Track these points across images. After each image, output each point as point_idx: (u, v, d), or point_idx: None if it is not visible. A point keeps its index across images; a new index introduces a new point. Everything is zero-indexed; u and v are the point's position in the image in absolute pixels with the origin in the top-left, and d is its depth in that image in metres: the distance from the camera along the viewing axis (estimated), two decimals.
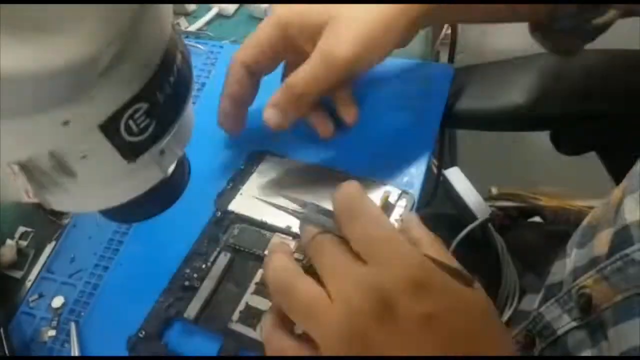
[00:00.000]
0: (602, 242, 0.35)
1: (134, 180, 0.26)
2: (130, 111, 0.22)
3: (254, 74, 0.42)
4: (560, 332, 0.38)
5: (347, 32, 0.37)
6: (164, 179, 0.28)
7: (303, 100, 0.39)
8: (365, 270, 0.26)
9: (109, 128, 0.22)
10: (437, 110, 0.48)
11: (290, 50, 0.41)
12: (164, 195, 0.31)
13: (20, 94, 0.17)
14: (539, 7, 0.44)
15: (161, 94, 0.23)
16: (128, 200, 0.28)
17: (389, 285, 0.25)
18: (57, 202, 0.25)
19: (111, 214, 0.30)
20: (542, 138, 0.67)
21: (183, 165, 0.33)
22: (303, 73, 0.39)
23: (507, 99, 0.60)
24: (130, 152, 0.24)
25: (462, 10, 0.43)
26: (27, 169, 0.22)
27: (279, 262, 0.29)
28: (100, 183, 0.24)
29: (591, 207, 0.42)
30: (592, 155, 0.64)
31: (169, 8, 0.23)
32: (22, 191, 0.23)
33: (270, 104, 0.40)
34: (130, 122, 0.23)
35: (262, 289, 0.40)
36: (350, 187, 0.29)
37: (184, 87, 0.26)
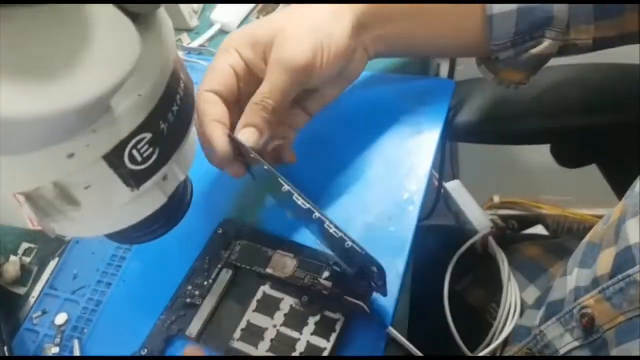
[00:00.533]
0: (604, 262, 0.35)
1: (137, 205, 0.27)
2: (134, 142, 0.22)
3: (225, 100, 0.41)
4: (562, 351, 0.38)
5: (294, 38, 0.40)
6: (167, 201, 0.29)
7: (275, 116, 0.39)
8: None
9: (113, 159, 0.22)
10: (437, 124, 0.49)
11: (247, 78, 0.42)
12: (167, 217, 0.32)
13: (27, 133, 0.17)
14: (474, 44, 0.46)
15: (165, 124, 0.24)
16: (131, 224, 0.28)
17: None
18: (61, 229, 0.25)
19: (115, 236, 0.31)
20: (543, 147, 0.67)
21: (185, 187, 0.33)
22: (268, 87, 0.39)
23: (508, 112, 0.60)
24: (134, 180, 0.24)
25: (403, 32, 0.45)
26: (32, 198, 0.22)
27: None
28: (103, 211, 0.25)
29: (594, 216, 0.42)
30: (594, 165, 0.64)
31: (172, 39, 0.24)
32: (26, 219, 0.23)
33: (243, 124, 0.39)
34: (134, 151, 0.23)
35: (263, 307, 0.40)
36: None
37: (187, 114, 0.26)
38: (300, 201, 0.36)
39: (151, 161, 0.24)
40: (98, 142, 0.21)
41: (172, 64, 0.24)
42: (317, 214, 0.35)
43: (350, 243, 0.35)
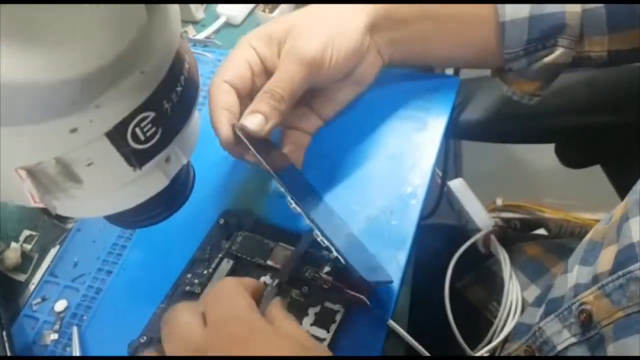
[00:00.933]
0: (604, 260, 0.35)
1: (139, 186, 0.27)
2: (137, 119, 0.22)
3: (238, 92, 0.41)
4: (559, 347, 0.38)
5: (307, 32, 0.41)
6: (169, 185, 0.29)
7: (283, 105, 0.40)
8: None
9: (116, 136, 0.22)
10: (442, 120, 0.48)
11: (262, 74, 0.42)
12: (168, 201, 0.32)
13: (30, 101, 0.17)
14: (488, 52, 0.46)
15: (168, 103, 0.24)
16: (133, 206, 0.28)
17: None
18: (62, 207, 0.25)
19: (116, 219, 0.31)
20: (547, 150, 0.67)
21: (188, 172, 0.33)
22: (278, 77, 0.40)
23: (512, 111, 0.60)
24: (136, 159, 0.24)
25: (414, 37, 0.46)
26: (34, 174, 0.22)
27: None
28: (105, 189, 0.25)
29: (596, 220, 0.42)
30: (597, 168, 0.64)
31: (177, 19, 0.24)
32: (28, 196, 0.23)
33: (250, 111, 0.39)
34: (137, 130, 0.23)
35: None
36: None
37: (191, 96, 0.26)
38: (292, 205, 0.37)
39: (154, 141, 0.24)
40: (101, 118, 0.21)
41: (176, 43, 0.24)
42: (307, 221, 0.36)
43: (335, 254, 0.36)
